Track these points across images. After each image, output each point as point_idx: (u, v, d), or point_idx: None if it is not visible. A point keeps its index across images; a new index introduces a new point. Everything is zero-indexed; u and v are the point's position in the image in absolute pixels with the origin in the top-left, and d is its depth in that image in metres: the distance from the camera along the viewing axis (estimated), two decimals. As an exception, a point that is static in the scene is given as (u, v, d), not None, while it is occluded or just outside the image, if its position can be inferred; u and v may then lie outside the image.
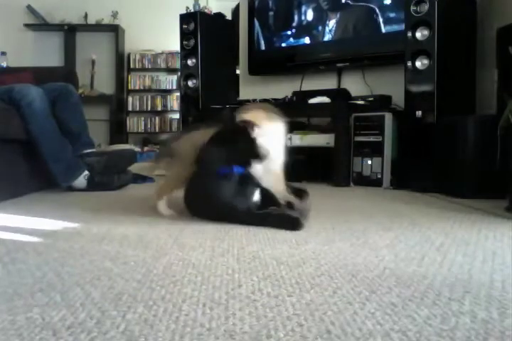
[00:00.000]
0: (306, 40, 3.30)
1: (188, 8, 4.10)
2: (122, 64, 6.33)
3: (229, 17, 4.28)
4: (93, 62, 6.09)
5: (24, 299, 0.74)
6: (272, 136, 1.42)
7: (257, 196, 1.44)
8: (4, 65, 4.01)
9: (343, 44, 3.10)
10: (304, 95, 2.95)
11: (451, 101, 2.44)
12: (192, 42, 3.58)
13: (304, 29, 3.30)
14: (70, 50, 6.17)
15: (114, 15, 6.14)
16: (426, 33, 2.42)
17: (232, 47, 3.90)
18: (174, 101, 6.37)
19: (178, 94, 5.89)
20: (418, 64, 2.47)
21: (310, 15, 3.26)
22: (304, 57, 3.29)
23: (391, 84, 2.87)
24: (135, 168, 2.60)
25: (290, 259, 1.00)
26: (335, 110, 2.72)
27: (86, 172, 2.26)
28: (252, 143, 1.39)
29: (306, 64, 3.28)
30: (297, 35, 3.34)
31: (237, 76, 3.92)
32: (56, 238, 1.23)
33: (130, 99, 6.37)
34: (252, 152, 1.40)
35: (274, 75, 3.57)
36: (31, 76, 2.64)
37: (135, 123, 6.38)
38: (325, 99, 2.80)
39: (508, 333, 0.62)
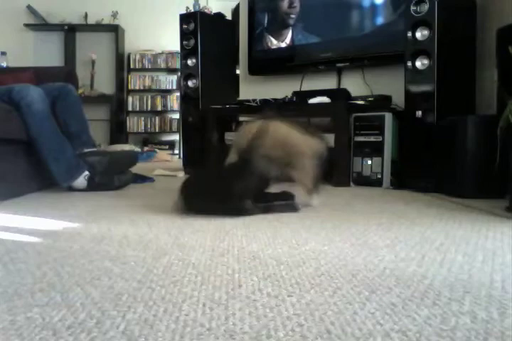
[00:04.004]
0: (306, 39, 3.30)
1: (188, 8, 4.10)
2: (122, 64, 6.33)
3: (229, 17, 4.28)
4: (93, 62, 6.09)
5: (24, 299, 0.74)
6: None
7: None
8: (4, 64, 4.01)
9: (343, 44, 3.10)
10: (304, 95, 2.95)
11: (451, 101, 2.44)
12: (192, 42, 3.57)
13: (304, 29, 3.30)
14: (70, 50, 6.18)
15: (114, 15, 6.15)
16: (426, 33, 2.42)
17: (232, 47, 3.90)
18: (174, 101, 6.38)
19: (178, 94, 5.91)
20: (418, 64, 2.47)
21: (310, 14, 3.26)
22: (304, 57, 3.29)
23: (391, 84, 2.87)
24: (135, 167, 2.60)
25: (290, 259, 1.00)
26: (335, 110, 2.72)
27: (86, 173, 2.26)
28: None
29: (306, 64, 3.28)
30: (297, 35, 3.34)
31: (237, 76, 3.91)
32: (56, 238, 1.23)
33: (130, 99, 6.37)
34: None
35: (274, 75, 3.57)
36: (31, 76, 2.64)
37: (135, 123, 6.39)
38: (325, 99, 2.80)
39: (508, 333, 0.62)
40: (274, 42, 3.47)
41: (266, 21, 3.50)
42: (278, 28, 3.44)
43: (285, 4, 3.38)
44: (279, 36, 3.44)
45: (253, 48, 3.58)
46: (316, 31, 3.24)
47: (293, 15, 3.35)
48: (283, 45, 3.42)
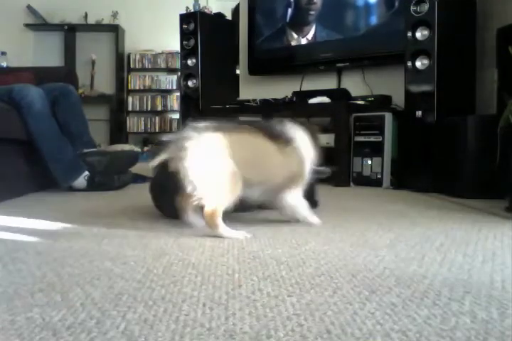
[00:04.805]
0: (306, 39, 3.30)
1: (188, 8, 4.10)
2: (122, 64, 6.33)
3: (229, 17, 4.28)
4: (93, 62, 6.09)
5: (24, 299, 0.74)
6: None
7: None
8: (4, 64, 4.00)
9: (343, 44, 3.10)
10: (304, 95, 2.95)
11: (451, 101, 2.44)
12: (192, 42, 3.57)
13: (304, 28, 3.30)
14: (70, 50, 6.17)
15: (114, 15, 6.15)
16: (426, 33, 2.42)
17: (232, 47, 3.90)
18: (174, 101, 6.38)
19: (178, 94, 5.89)
20: (418, 64, 2.47)
21: (310, 14, 3.26)
22: (304, 57, 3.29)
23: (391, 84, 2.87)
24: (135, 168, 2.60)
25: (290, 259, 1.00)
26: (335, 110, 2.72)
27: (86, 173, 2.26)
28: None
29: (306, 64, 3.28)
30: (297, 35, 3.34)
31: (237, 76, 3.92)
32: (56, 238, 1.23)
33: (130, 99, 6.37)
34: None
35: (274, 75, 3.57)
36: (31, 76, 2.64)
37: (135, 123, 6.38)
38: (325, 99, 2.80)
39: (508, 333, 0.62)
40: (274, 42, 3.46)
41: (266, 21, 3.50)
42: (278, 27, 3.43)
43: (285, 4, 3.38)
44: (278, 36, 3.44)
45: (253, 48, 3.58)
46: (316, 31, 3.24)
47: (293, 15, 3.34)
48: (283, 44, 3.41)
